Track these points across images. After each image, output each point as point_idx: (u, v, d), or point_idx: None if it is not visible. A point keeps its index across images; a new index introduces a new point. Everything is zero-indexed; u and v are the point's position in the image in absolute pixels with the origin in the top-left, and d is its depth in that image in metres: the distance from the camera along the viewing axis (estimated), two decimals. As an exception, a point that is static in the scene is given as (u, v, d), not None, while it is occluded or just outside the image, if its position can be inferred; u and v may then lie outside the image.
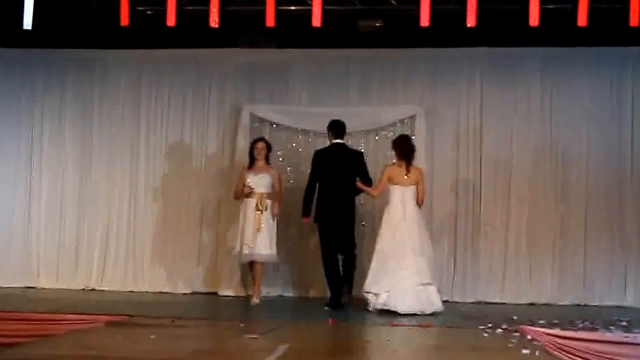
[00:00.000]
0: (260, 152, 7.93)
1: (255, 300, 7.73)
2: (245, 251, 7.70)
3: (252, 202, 7.82)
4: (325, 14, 7.93)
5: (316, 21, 7.87)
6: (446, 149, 8.61)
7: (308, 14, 7.89)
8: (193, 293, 8.49)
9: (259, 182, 7.84)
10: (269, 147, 8.02)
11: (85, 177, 8.96)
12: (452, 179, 8.58)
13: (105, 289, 8.66)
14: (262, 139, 8.06)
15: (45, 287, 8.72)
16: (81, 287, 8.71)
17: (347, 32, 8.72)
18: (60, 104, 9.09)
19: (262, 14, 7.85)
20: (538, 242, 8.42)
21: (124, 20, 8.21)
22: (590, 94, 8.53)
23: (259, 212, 7.75)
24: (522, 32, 7.78)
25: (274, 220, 7.92)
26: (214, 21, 8.07)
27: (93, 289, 8.68)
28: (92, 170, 8.97)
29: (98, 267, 8.79)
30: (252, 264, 7.87)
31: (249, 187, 7.82)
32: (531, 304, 8.23)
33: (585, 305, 8.17)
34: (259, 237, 7.72)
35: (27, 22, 8.10)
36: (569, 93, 8.55)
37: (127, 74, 9.10)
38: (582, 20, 7.38)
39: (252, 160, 7.96)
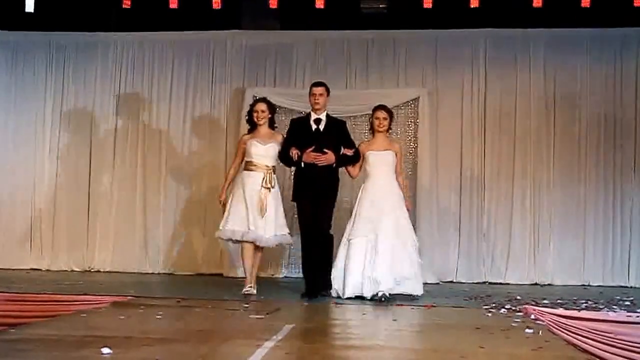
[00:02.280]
0: (261, 115, 6.92)
1: (249, 289, 6.76)
2: (245, 228, 6.77)
3: (256, 177, 6.84)
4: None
5: (319, 3, 7.86)
6: (450, 130, 8.62)
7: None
8: (199, 274, 8.52)
9: (266, 152, 6.89)
10: (271, 109, 7.05)
11: (88, 160, 8.97)
12: (455, 160, 8.60)
13: (110, 270, 8.70)
14: (262, 100, 7.09)
15: (50, 268, 8.77)
16: (86, 269, 8.76)
17: (350, 14, 8.71)
18: (63, 87, 9.08)
19: (264, -3, 7.84)
20: (541, 223, 8.46)
21: (126, 3, 8.20)
22: (594, 74, 8.52)
23: (266, 190, 6.82)
24: (526, 13, 7.77)
25: (281, 198, 7.05)
26: (216, 3, 8.06)
27: (98, 271, 8.73)
28: (97, 153, 8.98)
29: (102, 249, 8.83)
30: (252, 248, 6.87)
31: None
32: (534, 284, 8.29)
33: (588, 286, 8.21)
34: (265, 221, 6.80)
35: (30, 5, 8.10)
36: (572, 74, 8.54)
37: (130, 56, 9.09)
38: (585, 1, 7.37)
39: (253, 126, 6.98)
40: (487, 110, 8.61)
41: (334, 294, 6.67)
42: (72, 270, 8.73)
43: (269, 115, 7.00)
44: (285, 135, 7.06)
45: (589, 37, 8.52)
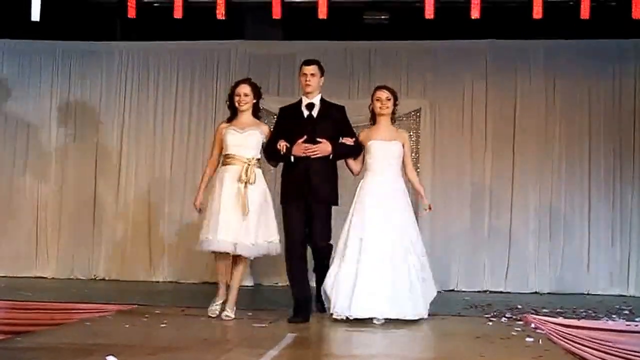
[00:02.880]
0: (243, 99, 5.86)
1: (228, 314, 5.73)
2: (222, 237, 5.60)
3: (232, 171, 5.75)
4: (331, 6, 7.99)
5: (322, 13, 7.92)
6: (451, 141, 8.68)
7: (314, 6, 7.94)
8: (203, 283, 8.55)
9: (244, 141, 5.81)
10: (256, 93, 5.97)
11: (93, 168, 9.02)
12: (457, 170, 8.65)
13: (115, 278, 8.75)
14: (246, 81, 6.02)
15: (55, 276, 8.81)
16: (91, 277, 8.81)
17: (353, 25, 8.77)
18: (68, 96, 9.14)
19: (268, 6, 7.90)
20: (542, 232, 8.51)
21: (131, 12, 8.27)
22: (593, 85, 8.58)
23: (243, 186, 5.69)
24: (526, 24, 7.83)
25: (271, 197, 5.91)
26: (220, 13, 8.11)
27: (103, 279, 8.78)
28: (99, 162, 9.04)
29: (107, 257, 8.87)
30: (233, 259, 5.80)
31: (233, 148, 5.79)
32: (535, 292, 8.33)
33: (588, 294, 8.24)
34: (244, 224, 5.66)
35: (35, 14, 8.16)
36: (571, 85, 8.60)
37: (134, 66, 9.16)
38: (584, 12, 7.42)
39: (234, 111, 5.94)
40: (488, 120, 8.67)
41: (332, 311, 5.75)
42: (77, 278, 8.78)
43: (253, 101, 5.94)
44: (272, 127, 6.10)
45: (588, 48, 8.58)
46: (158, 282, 8.68)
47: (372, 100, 5.96)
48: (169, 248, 8.84)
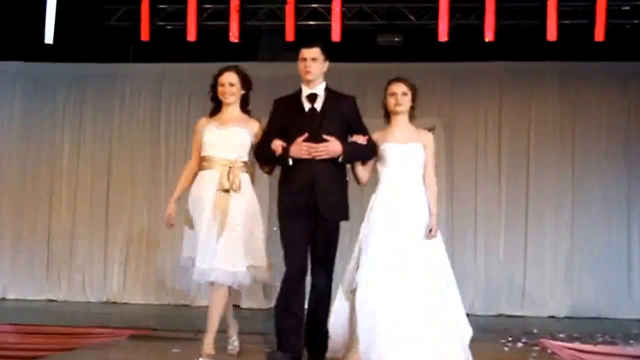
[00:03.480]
0: (228, 90, 4.82)
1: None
2: (200, 265, 4.62)
3: (210, 176, 4.74)
4: (344, 29, 8.03)
5: (335, 36, 7.97)
6: (465, 161, 8.65)
7: (328, 29, 7.99)
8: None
9: (226, 140, 4.79)
10: (246, 83, 4.92)
11: (106, 191, 9.03)
12: (471, 191, 8.61)
13: (127, 302, 8.72)
14: (232, 69, 4.94)
15: (68, 299, 8.80)
16: (103, 300, 8.79)
17: (366, 47, 8.78)
18: (81, 118, 9.17)
19: (281, 29, 7.95)
20: (557, 255, 8.44)
21: (145, 35, 8.34)
22: (607, 107, 8.54)
23: (223, 194, 4.66)
24: (540, 46, 7.83)
25: (259, 211, 4.86)
26: (233, 36, 8.19)
27: (115, 302, 8.75)
28: (112, 185, 9.04)
29: (118, 280, 8.86)
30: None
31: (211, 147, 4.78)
32: (551, 317, 8.23)
33: (605, 319, 8.13)
34: (223, 243, 4.60)
35: (49, 37, 8.23)
36: (586, 107, 8.57)
37: (147, 88, 9.19)
38: (599, 35, 7.42)
39: (217, 104, 4.91)
40: (502, 141, 8.64)
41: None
42: (89, 302, 8.76)
43: (242, 92, 4.89)
44: (266, 123, 4.88)
45: (602, 70, 8.54)
46: (169, 305, 8.64)
47: (385, 96, 4.79)
48: (181, 271, 8.78)
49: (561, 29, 7.37)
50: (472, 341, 6.11)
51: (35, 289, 8.87)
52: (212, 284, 4.67)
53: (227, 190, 4.69)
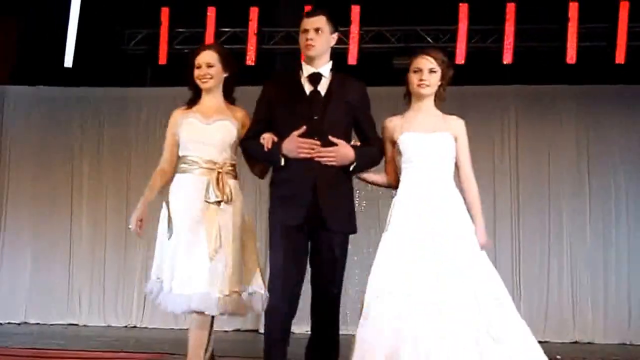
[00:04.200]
0: (206, 72, 3.98)
1: None
2: (180, 291, 3.82)
3: (191, 182, 3.94)
4: (360, 52, 8.04)
5: (352, 59, 7.98)
6: (482, 186, 8.55)
7: (344, 52, 8.00)
8: (234, 330, 8.42)
9: (211, 136, 3.96)
10: (228, 64, 4.06)
11: (124, 215, 9.02)
12: (488, 216, 8.47)
13: (146, 326, 8.66)
14: (211, 46, 4.40)
15: (87, 324, 8.75)
16: (123, 325, 8.75)
17: (383, 70, 8.79)
18: (98, 142, 9.17)
19: (297, 52, 7.94)
20: (580, 279, 8.32)
21: (162, 59, 8.39)
22: (627, 131, 8.45)
23: (214, 207, 3.87)
24: (558, 69, 7.80)
25: (248, 224, 4.03)
26: (250, 59, 8.22)
27: (134, 327, 8.70)
28: (130, 209, 9.00)
29: (138, 305, 8.79)
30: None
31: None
32: (575, 342, 8.10)
33: (630, 345, 7.99)
34: (212, 266, 3.81)
35: (69, 60, 8.28)
36: (604, 131, 8.47)
37: (164, 111, 9.16)
38: (619, 57, 7.39)
39: (196, 92, 4.07)
40: (519, 166, 8.55)
41: None
42: (109, 326, 8.72)
43: (224, 74, 4.03)
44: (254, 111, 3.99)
45: (622, 93, 8.47)
46: (188, 329, 8.56)
47: (408, 71, 3.84)
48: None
49: (580, 51, 7.34)
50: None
51: (56, 314, 8.83)
52: (200, 313, 3.87)
53: (217, 202, 3.88)
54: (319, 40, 3.89)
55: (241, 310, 3.95)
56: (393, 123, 3.88)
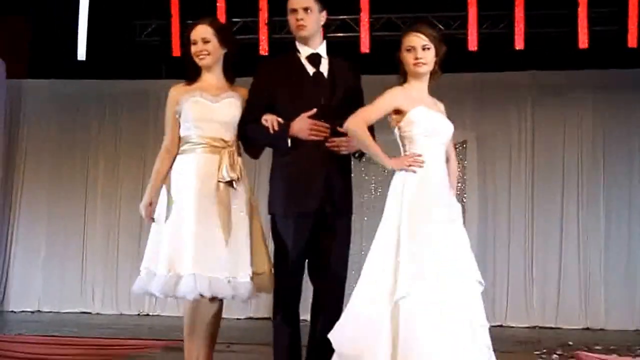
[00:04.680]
0: (202, 48, 3.82)
1: None
2: (195, 271, 3.62)
3: (199, 162, 3.78)
4: (372, 40, 8.03)
5: (365, 47, 7.97)
6: (498, 172, 8.57)
7: (356, 41, 8.00)
8: (247, 318, 8.48)
9: (219, 113, 3.82)
10: (225, 38, 3.89)
11: (138, 204, 9.07)
12: (504, 203, 8.53)
13: (159, 314, 8.74)
14: (206, 20, 3.91)
15: (101, 312, 8.87)
16: (135, 313, 8.84)
17: (394, 59, 8.77)
18: (115, 135, 9.26)
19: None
20: (593, 266, 8.29)
21: (176, 51, 8.42)
22: (640, 115, 8.42)
23: (225, 187, 3.74)
24: (571, 54, 7.75)
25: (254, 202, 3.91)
26: (263, 49, 8.23)
27: (147, 314, 8.79)
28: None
29: (151, 293, 8.90)
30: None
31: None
32: (587, 328, 8.09)
33: (642, 331, 8.00)
34: (223, 250, 3.69)
35: (82, 53, 8.34)
36: (620, 115, 8.43)
37: (179, 103, 9.24)
38: (632, 41, 7.32)
39: (194, 70, 3.89)
40: (535, 152, 8.53)
41: None
42: (122, 314, 8.82)
43: (222, 50, 3.87)
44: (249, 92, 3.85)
45: (636, 77, 8.41)
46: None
47: (400, 51, 3.67)
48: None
49: (592, 36, 7.27)
50: (505, 352, 6.10)
51: (69, 302, 8.95)
52: (212, 298, 3.72)
53: (229, 182, 3.74)
54: (309, 20, 3.78)
55: (252, 294, 3.80)
56: (405, 93, 3.67)
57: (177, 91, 3.90)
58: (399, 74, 3.74)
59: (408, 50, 3.63)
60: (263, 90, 3.80)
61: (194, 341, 3.86)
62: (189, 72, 3.90)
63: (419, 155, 3.59)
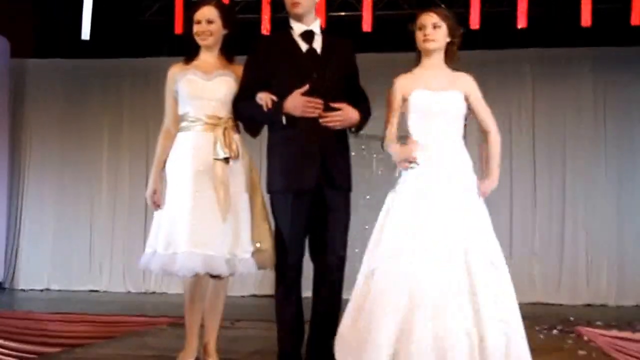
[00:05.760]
0: (206, 28, 3.88)
1: None
2: (203, 251, 3.69)
3: (195, 140, 3.82)
4: (375, 18, 8.04)
5: (367, 26, 7.98)
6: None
7: (358, 19, 8.01)
8: (252, 295, 8.60)
9: (214, 92, 3.87)
10: (228, 20, 3.96)
11: (144, 184, 9.13)
12: (505, 181, 8.56)
13: (166, 292, 8.85)
14: (212, 1, 3.93)
15: (108, 290, 8.99)
16: (142, 291, 8.95)
17: (397, 36, 8.77)
18: (119, 113, 9.32)
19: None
20: (595, 241, 8.35)
21: (178, 29, 8.43)
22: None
23: (222, 163, 3.78)
24: (574, 32, 7.75)
25: (255, 178, 3.99)
26: (265, 28, 8.24)
27: (154, 292, 8.91)
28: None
29: (158, 270, 9.00)
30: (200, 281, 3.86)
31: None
32: (588, 305, 8.16)
33: (643, 306, 8.06)
34: (223, 226, 3.74)
35: (86, 33, 8.36)
36: (621, 92, 8.46)
37: (182, 80, 9.28)
38: (635, 19, 7.32)
39: (194, 48, 3.96)
40: (536, 129, 8.58)
41: None
42: (129, 292, 8.93)
43: (223, 31, 3.94)
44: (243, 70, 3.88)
45: (638, 54, 8.42)
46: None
47: (414, 30, 3.77)
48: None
49: (595, 13, 7.27)
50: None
51: (78, 280, 9.07)
52: (214, 276, 3.81)
53: (226, 159, 3.79)
54: None
55: (253, 270, 3.88)
56: (405, 80, 3.79)
57: (174, 70, 3.97)
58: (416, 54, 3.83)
59: (420, 28, 3.73)
60: (257, 68, 3.82)
61: (193, 316, 3.93)
62: (190, 50, 3.96)
63: (413, 147, 3.68)
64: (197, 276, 3.79)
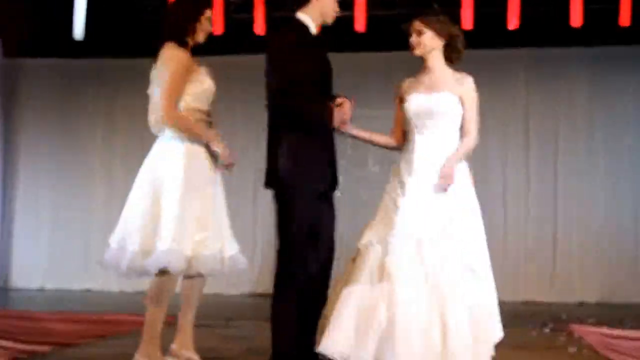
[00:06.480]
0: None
1: None
2: (212, 252, 4.01)
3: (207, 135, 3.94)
4: (368, 18, 8.06)
5: (360, 26, 8.00)
6: (492, 148, 8.64)
7: (351, 19, 8.02)
8: (249, 295, 8.62)
9: (205, 87, 4.18)
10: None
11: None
12: (499, 180, 8.62)
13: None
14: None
15: (104, 289, 8.98)
16: (138, 290, 8.94)
17: (392, 36, 8.79)
18: (114, 113, 9.32)
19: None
20: (588, 240, 8.40)
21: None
22: (635, 92, 8.47)
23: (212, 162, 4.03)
24: (565, 31, 7.80)
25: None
26: (259, 28, 8.25)
27: (147, 292, 8.91)
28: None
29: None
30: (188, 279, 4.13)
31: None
32: (580, 303, 8.20)
33: (637, 304, 8.02)
34: (221, 222, 4.09)
35: (79, 33, 8.36)
36: (613, 92, 8.50)
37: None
38: (624, 20, 7.37)
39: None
40: (530, 130, 8.62)
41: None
42: (124, 292, 8.93)
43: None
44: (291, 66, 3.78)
45: (629, 55, 8.47)
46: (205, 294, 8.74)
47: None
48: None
49: (587, 13, 7.31)
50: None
51: (73, 279, 9.06)
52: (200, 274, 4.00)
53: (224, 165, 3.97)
54: None
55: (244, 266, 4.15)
56: (404, 85, 3.94)
57: (189, 59, 4.27)
58: None
59: (409, 36, 3.91)
60: (312, 65, 3.85)
61: (157, 313, 4.21)
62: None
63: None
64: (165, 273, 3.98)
